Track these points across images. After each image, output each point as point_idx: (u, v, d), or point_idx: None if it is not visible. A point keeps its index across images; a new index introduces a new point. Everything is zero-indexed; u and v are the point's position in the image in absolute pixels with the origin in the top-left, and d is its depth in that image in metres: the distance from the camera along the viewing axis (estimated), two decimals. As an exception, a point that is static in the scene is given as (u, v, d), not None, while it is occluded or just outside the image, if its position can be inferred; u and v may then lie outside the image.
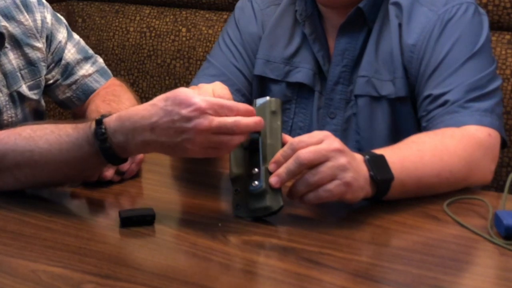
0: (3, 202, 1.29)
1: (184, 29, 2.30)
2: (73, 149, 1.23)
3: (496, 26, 1.88)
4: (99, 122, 1.21)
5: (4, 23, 1.63)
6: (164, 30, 2.33)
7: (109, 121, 1.21)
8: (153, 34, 2.34)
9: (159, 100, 1.18)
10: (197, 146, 1.17)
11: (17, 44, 1.66)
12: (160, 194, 1.35)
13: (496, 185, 1.74)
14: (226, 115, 1.17)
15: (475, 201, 1.32)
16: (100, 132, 1.20)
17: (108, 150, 1.20)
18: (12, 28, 1.65)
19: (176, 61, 2.30)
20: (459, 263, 1.13)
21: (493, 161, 1.41)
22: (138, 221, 1.20)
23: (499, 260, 1.14)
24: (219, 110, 1.16)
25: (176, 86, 2.30)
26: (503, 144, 1.46)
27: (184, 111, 1.15)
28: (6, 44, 1.64)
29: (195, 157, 1.39)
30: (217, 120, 1.16)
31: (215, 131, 1.16)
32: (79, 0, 2.53)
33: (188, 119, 1.15)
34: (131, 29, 2.39)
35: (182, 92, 1.18)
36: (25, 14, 1.68)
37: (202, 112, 1.15)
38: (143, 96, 2.31)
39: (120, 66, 2.38)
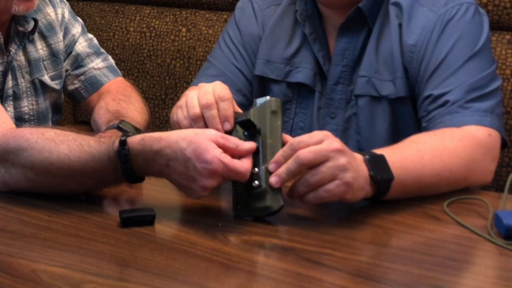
0: (3, 202, 1.29)
1: (184, 29, 2.30)
2: (92, 160, 1.24)
3: (496, 26, 1.88)
4: (123, 142, 1.22)
5: (34, 15, 1.70)
6: (164, 30, 2.33)
7: (132, 143, 1.22)
8: (153, 34, 2.34)
9: (183, 139, 1.19)
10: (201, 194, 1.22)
11: (43, 35, 1.74)
12: (160, 194, 1.35)
13: (496, 185, 1.74)
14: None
15: (475, 201, 1.32)
16: (124, 153, 1.22)
17: (130, 171, 1.23)
18: (39, 20, 1.70)
19: (176, 61, 2.30)
20: (459, 263, 1.13)
21: (493, 161, 1.41)
22: (138, 221, 1.20)
23: (499, 260, 1.14)
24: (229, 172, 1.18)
25: (176, 86, 2.30)
26: (503, 144, 1.46)
27: (199, 166, 1.17)
28: (35, 33, 1.70)
29: None
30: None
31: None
32: (79, 0, 2.53)
33: (199, 173, 1.18)
34: (131, 29, 2.39)
35: (204, 142, 1.18)
36: (50, 6, 1.76)
37: (213, 173, 1.17)
38: (143, 96, 2.31)
39: (120, 66, 2.38)
